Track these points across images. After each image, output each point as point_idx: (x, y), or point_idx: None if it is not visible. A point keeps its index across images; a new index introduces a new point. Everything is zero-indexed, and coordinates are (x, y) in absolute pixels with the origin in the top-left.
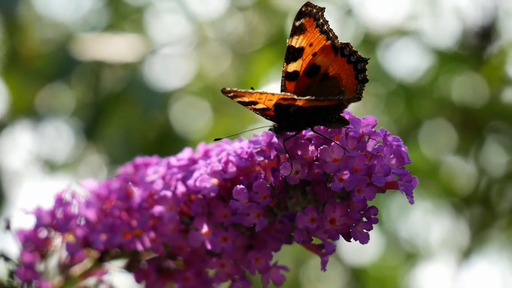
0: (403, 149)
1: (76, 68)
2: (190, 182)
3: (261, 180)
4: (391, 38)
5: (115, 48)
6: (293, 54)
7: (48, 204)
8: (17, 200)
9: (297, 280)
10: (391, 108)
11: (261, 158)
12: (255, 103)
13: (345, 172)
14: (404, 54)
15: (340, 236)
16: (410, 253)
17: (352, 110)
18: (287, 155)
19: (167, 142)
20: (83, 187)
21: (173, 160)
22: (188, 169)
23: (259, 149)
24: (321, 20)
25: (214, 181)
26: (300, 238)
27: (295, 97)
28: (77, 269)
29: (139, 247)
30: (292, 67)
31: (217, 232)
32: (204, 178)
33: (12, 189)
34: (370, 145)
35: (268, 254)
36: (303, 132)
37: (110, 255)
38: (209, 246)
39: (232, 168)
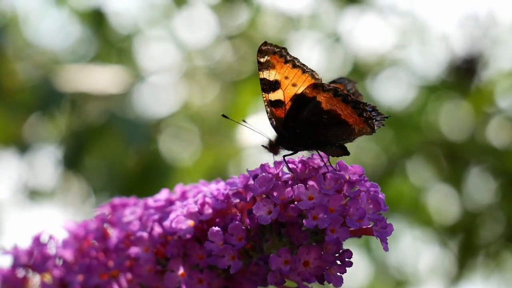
0: (380, 195)
1: (59, 100)
2: (167, 223)
3: (236, 222)
4: (379, 66)
5: (99, 80)
6: (269, 86)
7: (26, 242)
8: (3, 230)
9: None
10: (379, 136)
11: (237, 200)
12: (276, 86)
13: (319, 210)
14: (392, 82)
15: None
16: (399, 281)
17: None
18: (264, 195)
19: (152, 172)
20: (62, 227)
21: (150, 201)
22: (165, 210)
23: (235, 191)
24: (288, 57)
25: (190, 222)
26: (273, 280)
27: (326, 84)
28: None
29: (116, 287)
30: (274, 97)
31: (193, 274)
32: (180, 220)
33: None
34: (348, 188)
35: None
36: (280, 174)
37: None
38: None
39: (208, 210)
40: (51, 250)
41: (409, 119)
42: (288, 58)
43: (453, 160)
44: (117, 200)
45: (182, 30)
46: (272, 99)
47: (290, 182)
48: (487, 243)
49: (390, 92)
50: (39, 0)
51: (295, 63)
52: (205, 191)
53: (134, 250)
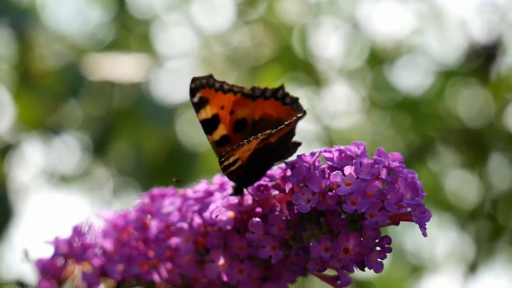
0: (418, 182)
1: (85, 85)
2: (207, 214)
3: (276, 213)
4: (397, 52)
5: (123, 67)
6: (211, 124)
7: (65, 232)
8: (26, 215)
9: None
10: (397, 122)
11: (276, 192)
12: (235, 162)
13: (357, 195)
14: (410, 68)
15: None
16: (415, 266)
17: (358, 123)
18: (301, 185)
19: (177, 157)
20: (99, 217)
21: (189, 192)
22: (204, 201)
23: (274, 183)
24: (217, 84)
25: (230, 214)
26: (315, 267)
27: (269, 132)
28: None
29: (156, 277)
30: (218, 134)
31: (233, 264)
32: (220, 211)
33: (20, 204)
34: (384, 173)
35: (283, 285)
36: (316, 163)
37: (127, 284)
38: (225, 278)
39: (248, 201)
40: (91, 239)
41: (427, 105)
42: (217, 85)
43: (473, 146)
44: (156, 191)
45: (199, 16)
46: (216, 138)
47: (327, 171)
48: (507, 229)
49: (408, 78)
50: None
51: (224, 88)
52: None
53: (174, 241)
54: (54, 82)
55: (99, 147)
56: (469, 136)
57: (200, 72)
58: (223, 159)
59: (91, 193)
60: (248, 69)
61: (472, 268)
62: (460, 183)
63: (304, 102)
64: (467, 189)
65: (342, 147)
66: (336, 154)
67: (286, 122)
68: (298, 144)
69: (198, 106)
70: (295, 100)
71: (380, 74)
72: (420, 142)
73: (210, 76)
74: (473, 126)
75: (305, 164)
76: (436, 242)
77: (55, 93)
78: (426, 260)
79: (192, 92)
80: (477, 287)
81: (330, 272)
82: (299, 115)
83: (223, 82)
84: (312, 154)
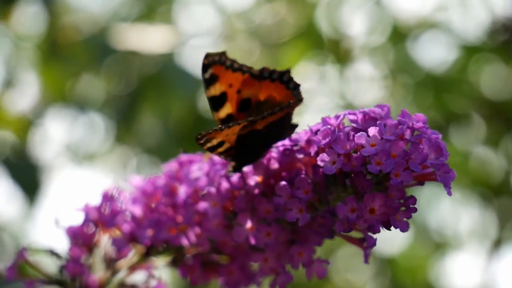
0: (441, 142)
1: (111, 55)
2: (234, 178)
3: (302, 176)
4: (420, 29)
5: (148, 39)
6: (218, 101)
7: (94, 199)
8: (50, 191)
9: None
10: (419, 99)
11: (302, 155)
12: (222, 144)
13: (382, 156)
14: (432, 45)
15: (381, 227)
16: (439, 243)
17: (381, 100)
18: (327, 147)
19: (204, 127)
20: (129, 183)
21: (216, 156)
22: None
23: (298, 147)
24: (227, 62)
25: (259, 177)
26: (341, 228)
27: (252, 119)
28: (122, 263)
29: (185, 242)
30: (224, 112)
31: (261, 228)
32: (248, 175)
33: (44, 179)
34: (408, 134)
35: (310, 248)
36: (341, 126)
37: (156, 250)
38: (252, 241)
39: (274, 165)
40: (120, 205)
41: (450, 82)
42: (228, 63)
43: (497, 121)
44: (184, 157)
45: None
46: (222, 116)
47: (351, 133)
48: None
49: (431, 55)
50: None
51: (233, 67)
52: None
53: (202, 205)
54: (80, 51)
55: (124, 121)
56: (493, 112)
57: (224, 49)
58: (202, 142)
59: (115, 171)
60: (271, 46)
61: (496, 245)
62: (484, 159)
63: (304, 89)
64: (491, 165)
65: (366, 109)
66: (360, 116)
67: (269, 111)
68: (294, 126)
69: (209, 82)
70: (297, 86)
71: (403, 51)
72: (443, 118)
73: (223, 53)
74: (497, 101)
75: (329, 126)
76: (460, 219)
77: (81, 62)
78: (450, 237)
79: (205, 68)
80: (501, 263)
81: (356, 235)
82: (287, 104)
83: (234, 61)
84: (337, 117)
